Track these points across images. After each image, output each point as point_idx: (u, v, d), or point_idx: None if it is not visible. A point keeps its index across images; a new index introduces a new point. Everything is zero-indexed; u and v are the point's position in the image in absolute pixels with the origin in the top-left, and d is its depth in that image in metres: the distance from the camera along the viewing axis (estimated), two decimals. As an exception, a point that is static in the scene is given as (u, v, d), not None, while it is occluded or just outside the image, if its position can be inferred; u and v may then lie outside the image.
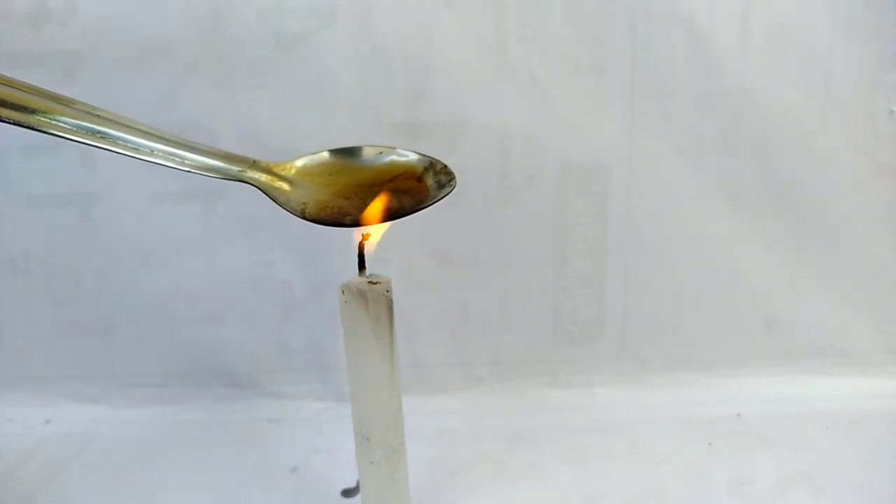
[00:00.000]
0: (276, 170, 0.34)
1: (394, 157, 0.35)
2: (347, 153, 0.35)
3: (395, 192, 0.35)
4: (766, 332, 0.57)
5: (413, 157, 0.35)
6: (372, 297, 0.35)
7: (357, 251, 0.35)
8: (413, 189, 0.35)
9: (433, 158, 0.35)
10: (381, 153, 0.35)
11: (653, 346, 0.57)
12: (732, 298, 0.56)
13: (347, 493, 0.46)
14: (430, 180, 0.35)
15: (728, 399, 0.55)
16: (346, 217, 0.33)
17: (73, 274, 0.56)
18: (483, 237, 0.55)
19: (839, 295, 0.56)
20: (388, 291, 0.35)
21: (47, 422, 0.56)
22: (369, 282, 0.35)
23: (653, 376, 0.57)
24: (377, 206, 0.34)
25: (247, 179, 0.33)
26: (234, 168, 0.33)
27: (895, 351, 0.57)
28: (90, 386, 0.58)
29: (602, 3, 0.50)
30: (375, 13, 0.50)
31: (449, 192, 0.34)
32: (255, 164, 0.33)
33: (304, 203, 0.34)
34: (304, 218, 0.33)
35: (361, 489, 0.39)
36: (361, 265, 0.35)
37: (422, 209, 0.33)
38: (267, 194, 0.33)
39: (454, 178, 0.34)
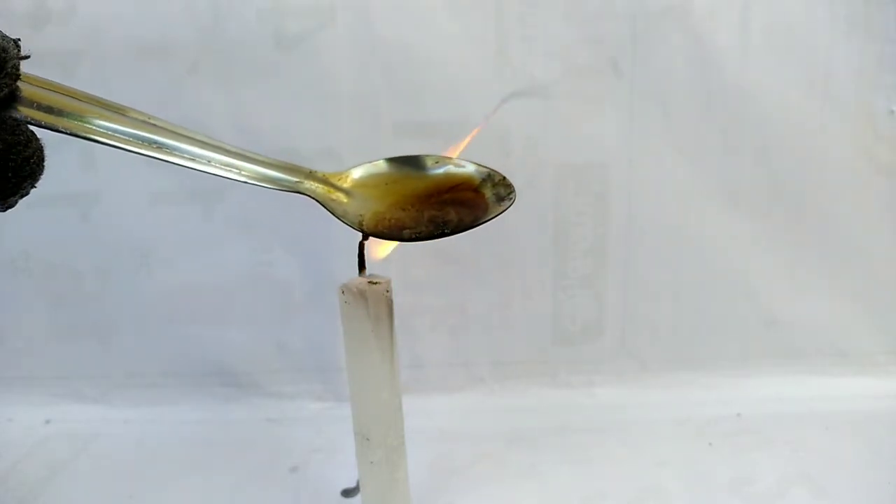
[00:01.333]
0: (333, 180, 0.33)
1: (450, 168, 0.35)
2: (404, 162, 0.34)
3: (454, 204, 0.34)
4: (766, 332, 0.57)
5: (470, 168, 0.34)
6: (372, 297, 0.35)
7: (357, 251, 0.35)
8: (471, 201, 0.34)
9: (492, 170, 0.34)
10: (437, 162, 0.35)
11: (653, 346, 0.57)
12: (732, 298, 0.56)
13: (347, 493, 0.46)
14: (488, 192, 0.34)
15: (728, 399, 0.55)
16: (403, 230, 0.33)
17: (73, 274, 0.56)
18: (483, 237, 0.55)
19: (839, 295, 0.56)
20: (388, 291, 0.35)
21: (47, 422, 0.56)
22: (369, 282, 0.35)
23: (653, 376, 0.57)
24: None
25: (304, 191, 0.32)
26: (292, 179, 0.32)
27: (895, 351, 0.57)
28: (90, 386, 0.58)
29: (602, 3, 0.50)
30: (375, 13, 0.50)
31: (509, 206, 0.33)
32: (311, 175, 0.33)
33: (361, 215, 0.33)
34: (362, 231, 0.33)
35: (361, 489, 0.39)
36: (361, 265, 0.35)
37: (481, 223, 0.33)
38: (324, 206, 0.32)
39: (513, 190, 0.33)
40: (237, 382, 0.58)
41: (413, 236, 0.33)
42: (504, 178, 0.34)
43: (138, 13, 0.50)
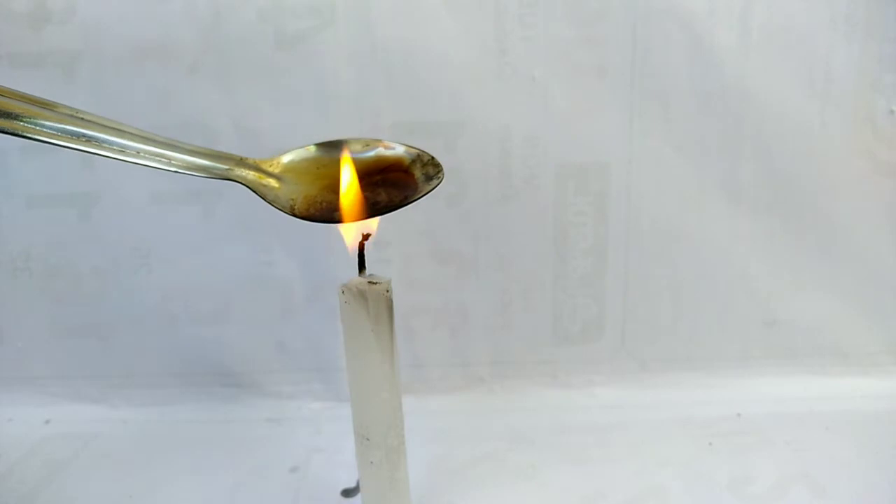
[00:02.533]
0: (264, 166, 0.34)
1: (380, 150, 0.35)
2: (334, 147, 0.35)
3: (385, 185, 0.34)
4: (766, 332, 0.57)
5: (400, 149, 0.35)
6: (372, 297, 0.35)
7: (357, 251, 0.35)
8: (401, 182, 0.34)
9: (420, 150, 0.35)
10: (367, 146, 0.35)
11: (653, 346, 0.57)
12: (732, 298, 0.56)
13: (347, 493, 0.46)
14: (417, 172, 0.35)
15: (728, 399, 0.55)
16: (335, 212, 0.33)
17: (72, 274, 0.56)
18: (483, 237, 0.55)
19: (839, 295, 0.56)
20: (388, 291, 0.35)
21: (47, 422, 0.56)
22: (369, 282, 0.35)
23: (653, 376, 0.57)
24: (349, 198, 0.33)
25: (234, 177, 0.32)
26: (221, 166, 0.32)
27: (895, 351, 0.57)
28: (90, 386, 0.58)
29: (602, 3, 0.50)
30: (375, 13, 0.50)
31: (437, 185, 0.33)
32: (242, 162, 0.33)
33: (292, 199, 0.33)
34: (294, 215, 0.33)
35: (361, 489, 0.39)
36: (361, 265, 0.35)
37: (410, 203, 0.33)
38: (255, 192, 0.33)
39: (441, 169, 0.34)
40: (237, 382, 0.58)
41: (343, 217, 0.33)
42: (432, 158, 0.34)
43: (138, 13, 0.50)
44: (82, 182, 0.54)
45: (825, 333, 0.57)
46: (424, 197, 0.33)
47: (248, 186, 0.33)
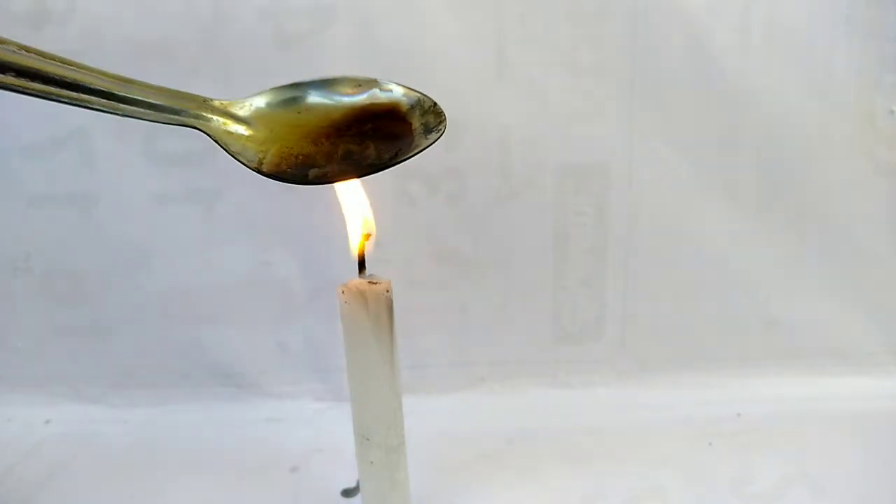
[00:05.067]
0: (233, 109, 0.29)
1: (375, 92, 0.30)
2: (321, 87, 0.30)
3: (375, 137, 0.29)
4: (766, 332, 0.57)
5: (398, 92, 0.30)
6: (372, 297, 0.35)
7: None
8: (395, 132, 0.29)
9: (422, 95, 0.30)
10: (359, 87, 0.30)
11: (653, 346, 0.57)
12: (732, 298, 0.56)
13: (347, 493, 0.46)
14: (416, 122, 0.30)
15: (728, 399, 0.55)
16: (311, 169, 0.28)
17: (73, 274, 0.56)
18: (483, 237, 0.55)
19: (839, 295, 0.56)
20: (387, 291, 0.35)
21: (47, 422, 0.56)
22: (369, 282, 0.35)
23: (653, 376, 0.57)
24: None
25: (192, 124, 0.28)
26: (177, 107, 0.27)
27: (895, 351, 0.57)
28: (90, 386, 0.58)
29: (602, 3, 0.50)
30: (375, 13, 0.50)
31: (437, 138, 0.29)
32: (205, 104, 0.28)
33: (262, 151, 0.28)
34: (259, 171, 0.28)
35: (361, 489, 0.39)
36: (361, 265, 0.35)
37: (402, 161, 0.29)
38: (217, 141, 0.28)
39: (444, 119, 0.29)
40: (237, 382, 0.58)
41: (320, 176, 0.28)
42: (435, 104, 0.30)
43: (138, 13, 0.50)
44: (82, 182, 0.54)
45: (825, 333, 0.57)
46: (423, 152, 0.29)
47: (208, 134, 0.28)
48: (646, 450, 0.50)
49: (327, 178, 0.28)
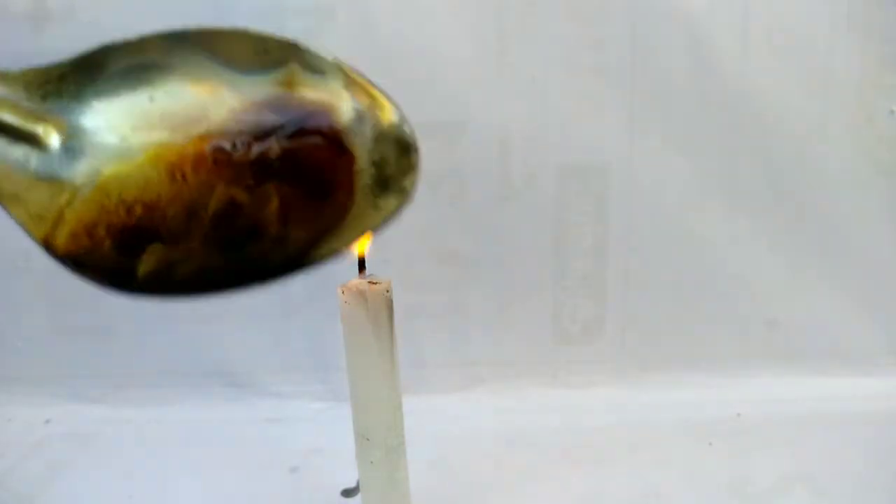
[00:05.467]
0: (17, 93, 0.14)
1: (294, 70, 0.16)
2: (193, 45, 0.15)
3: (285, 178, 0.17)
4: (766, 332, 0.57)
5: (335, 83, 0.16)
6: (372, 297, 0.35)
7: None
8: (323, 175, 0.17)
9: (381, 94, 0.18)
10: (266, 53, 0.16)
11: (653, 346, 0.57)
12: (732, 298, 0.56)
13: (347, 493, 0.46)
14: (362, 160, 0.18)
15: (728, 399, 0.55)
16: (143, 253, 0.14)
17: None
18: (483, 237, 0.55)
19: (839, 295, 0.56)
20: (387, 291, 0.35)
21: (47, 422, 0.56)
22: (369, 282, 0.35)
23: (653, 376, 0.57)
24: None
25: None
26: None
27: (895, 351, 0.57)
28: (90, 386, 0.58)
29: (602, 3, 0.50)
30: (375, 13, 0.50)
31: (398, 209, 0.17)
32: None
33: (56, 206, 0.14)
34: (46, 248, 0.14)
35: (361, 489, 0.39)
36: (361, 265, 0.35)
37: (319, 264, 0.17)
38: None
39: (417, 159, 0.17)
40: (237, 382, 0.58)
41: (158, 273, 0.14)
42: (402, 124, 0.15)
43: (138, 13, 0.50)
44: (82, 182, 0.54)
45: (825, 333, 0.57)
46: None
47: None
48: (646, 450, 0.50)
49: (170, 279, 0.13)
